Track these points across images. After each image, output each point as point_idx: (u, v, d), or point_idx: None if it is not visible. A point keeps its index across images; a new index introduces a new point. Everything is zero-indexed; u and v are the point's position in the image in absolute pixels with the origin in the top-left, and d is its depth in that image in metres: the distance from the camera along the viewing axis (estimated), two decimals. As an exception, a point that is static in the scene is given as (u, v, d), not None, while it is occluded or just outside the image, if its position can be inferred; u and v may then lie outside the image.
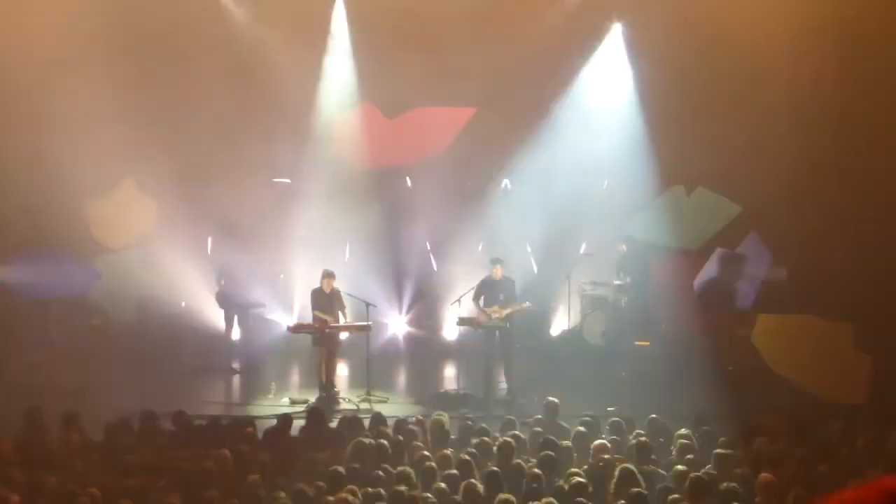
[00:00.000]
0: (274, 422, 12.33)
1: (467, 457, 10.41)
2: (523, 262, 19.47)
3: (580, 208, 19.20)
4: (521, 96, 19.37)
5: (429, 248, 20.18)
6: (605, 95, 19.64)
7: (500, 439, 11.15)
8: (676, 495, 9.34)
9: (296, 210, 19.66)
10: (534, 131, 19.38)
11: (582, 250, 19.00)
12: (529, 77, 19.24)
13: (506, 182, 20.02)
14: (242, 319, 19.08)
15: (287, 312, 19.67)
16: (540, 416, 12.52)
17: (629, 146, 19.07)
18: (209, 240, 19.72)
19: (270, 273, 19.72)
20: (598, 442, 11.10)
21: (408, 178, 20.22)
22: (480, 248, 19.35)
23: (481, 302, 16.37)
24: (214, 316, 19.24)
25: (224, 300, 18.88)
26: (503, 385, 16.45)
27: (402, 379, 18.50)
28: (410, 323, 20.20)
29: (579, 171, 19.07)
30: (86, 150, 18.53)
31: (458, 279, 18.56)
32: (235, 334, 19.12)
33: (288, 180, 19.88)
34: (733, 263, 16.98)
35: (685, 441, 11.11)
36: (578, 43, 19.58)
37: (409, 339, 20.07)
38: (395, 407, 15.63)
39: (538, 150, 19.41)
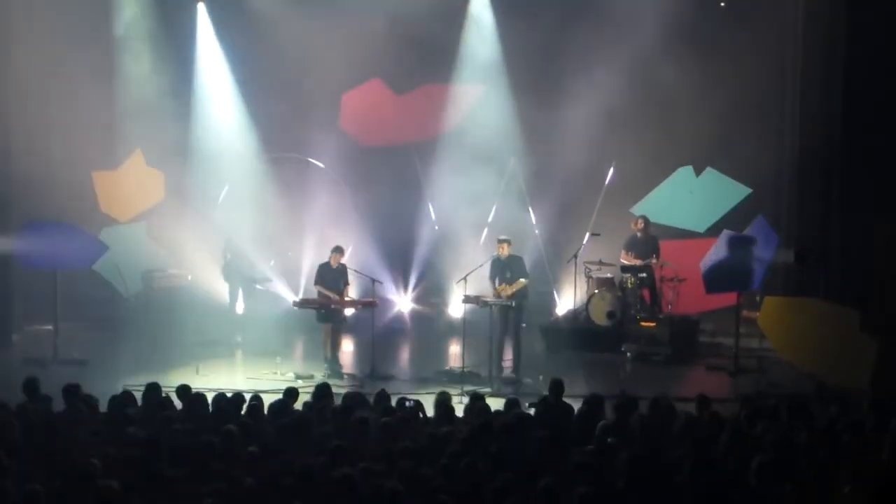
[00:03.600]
0: (279, 396, 12.31)
1: (472, 434, 10.42)
2: (530, 240, 19.46)
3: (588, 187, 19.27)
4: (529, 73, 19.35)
5: (433, 216, 20.15)
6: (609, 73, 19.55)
7: (505, 418, 11.14)
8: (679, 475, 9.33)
9: (305, 186, 19.65)
10: (541, 108, 19.31)
11: (589, 230, 18.95)
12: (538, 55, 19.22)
13: (513, 160, 19.99)
14: (247, 293, 19.10)
15: (294, 287, 19.67)
16: (545, 395, 12.50)
17: (635, 124, 19.04)
18: (217, 212, 19.75)
19: (278, 248, 19.73)
20: (602, 423, 11.09)
21: (417, 159, 20.17)
22: (485, 232, 19.32)
23: (496, 282, 16.41)
24: (220, 289, 19.27)
25: (230, 274, 18.90)
26: (508, 363, 16.47)
27: (407, 356, 18.51)
28: (416, 300, 20.20)
29: (587, 149, 19.07)
30: (94, 121, 18.54)
31: (465, 257, 18.57)
32: (240, 308, 19.15)
33: (321, 165, 19.84)
34: (740, 245, 16.92)
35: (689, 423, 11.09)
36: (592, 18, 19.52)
37: (415, 316, 20.07)
38: (399, 384, 15.66)
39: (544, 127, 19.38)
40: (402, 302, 20.16)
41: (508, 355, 16.53)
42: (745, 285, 16.89)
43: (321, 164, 20.03)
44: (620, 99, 18.87)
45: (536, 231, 19.88)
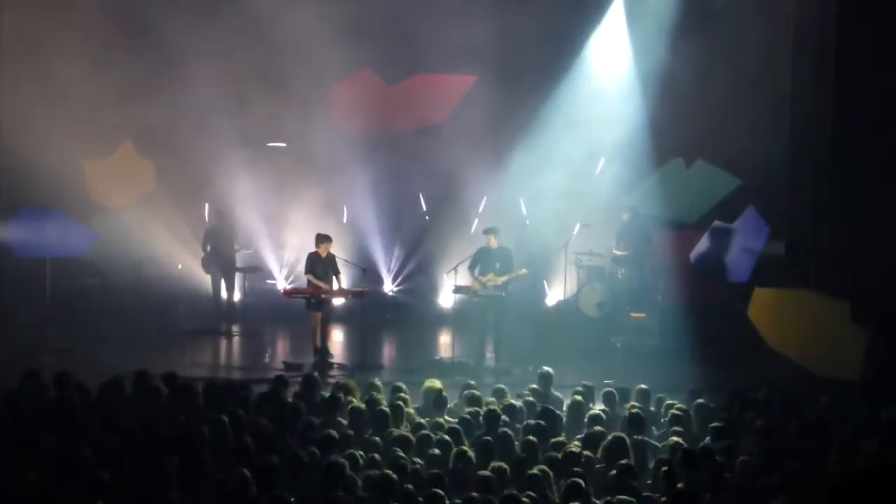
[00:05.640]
0: (268, 386, 12.31)
1: (459, 424, 10.44)
2: (520, 231, 19.45)
3: (580, 179, 19.26)
4: (522, 64, 19.30)
5: (424, 207, 20.14)
6: (607, 64, 19.55)
7: (490, 408, 11.14)
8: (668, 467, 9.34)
9: (294, 175, 19.63)
10: (535, 100, 19.27)
11: (580, 221, 18.95)
12: (532, 45, 19.18)
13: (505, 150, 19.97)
14: (231, 283, 19.04)
15: (283, 276, 19.66)
16: (534, 386, 12.51)
17: (630, 116, 19.02)
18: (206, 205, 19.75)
19: (261, 237, 19.70)
20: (591, 412, 11.12)
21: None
22: (476, 223, 19.31)
23: (476, 271, 16.34)
24: (209, 279, 19.23)
25: (210, 265, 18.85)
26: (491, 354, 16.47)
27: (396, 346, 18.51)
28: (406, 290, 20.19)
29: (580, 142, 19.06)
30: (85, 110, 18.46)
31: (455, 247, 18.56)
32: (226, 298, 19.08)
33: (283, 144, 19.83)
34: (730, 236, 16.94)
35: (678, 413, 11.12)
36: (582, 12, 19.51)
37: (405, 306, 20.06)
38: (388, 373, 15.65)
39: (539, 119, 19.36)
40: (392, 291, 20.15)
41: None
42: (735, 276, 16.89)
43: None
44: (611, 90, 18.85)
45: (527, 221, 19.84)
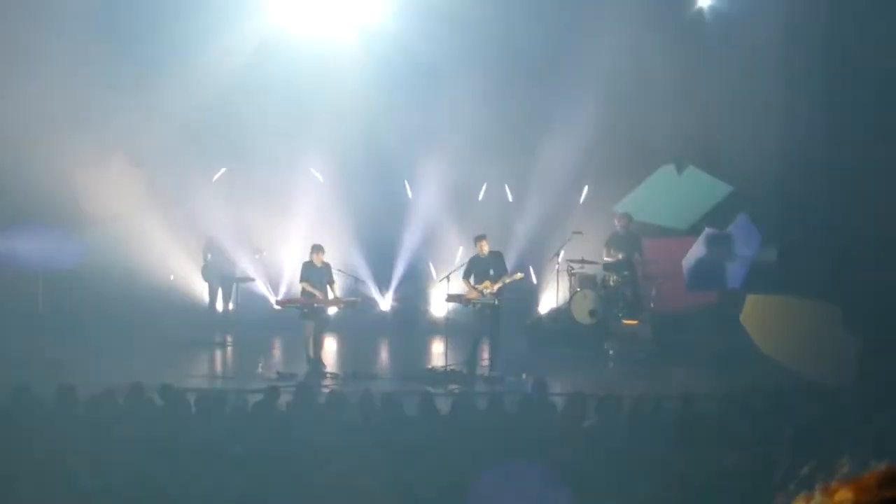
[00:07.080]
0: (261, 396, 12.30)
1: (457, 431, 10.44)
2: (513, 240, 19.48)
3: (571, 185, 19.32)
4: (516, 69, 19.38)
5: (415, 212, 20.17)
6: (598, 69, 19.59)
7: (488, 416, 11.16)
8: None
9: (291, 185, 19.65)
10: (526, 106, 19.33)
11: (571, 228, 18.97)
12: (524, 51, 19.25)
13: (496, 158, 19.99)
14: (227, 293, 19.06)
15: (276, 286, 19.64)
16: (528, 394, 12.52)
17: (620, 123, 19.07)
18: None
19: (255, 248, 19.68)
20: (586, 421, 11.12)
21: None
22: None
23: (472, 280, 16.30)
24: (202, 289, 19.23)
25: (210, 274, 18.86)
26: (486, 362, 16.45)
27: (390, 355, 18.49)
28: (399, 299, 20.18)
29: (570, 149, 19.11)
30: (75, 121, 18.45)
31: (449, 256, 18.57)
32: (221, 308, 19.10)
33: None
34: (722, 243, 16.99)
35: (672, 420, 11.14)
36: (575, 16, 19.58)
37: (398, 315, 20.05)
38: (382, 383, 15.63)
39: (531, 126, 19.41)
40: (386, 300, 20.15)
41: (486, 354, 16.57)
42: (728, 282, 16.94)
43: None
44: (605, 97, 18.90)
45: (518, 229, 19.85)
